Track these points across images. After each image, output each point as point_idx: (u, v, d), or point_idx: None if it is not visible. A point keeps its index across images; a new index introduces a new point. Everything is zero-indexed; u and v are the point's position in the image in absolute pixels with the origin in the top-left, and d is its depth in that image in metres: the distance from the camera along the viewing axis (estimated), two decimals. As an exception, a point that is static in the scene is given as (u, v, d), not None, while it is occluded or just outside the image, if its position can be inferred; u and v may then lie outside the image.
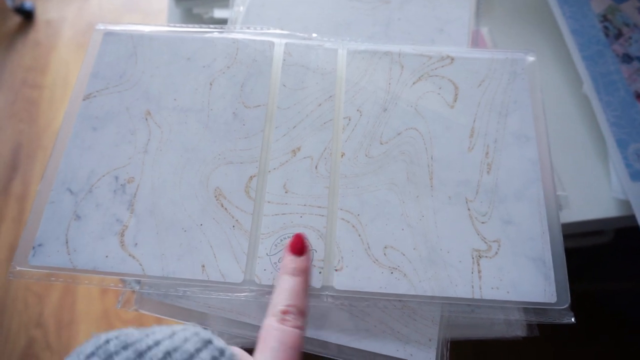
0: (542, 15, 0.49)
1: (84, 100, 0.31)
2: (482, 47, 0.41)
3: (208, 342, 0.19)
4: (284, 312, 0.22)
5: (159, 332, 0.19)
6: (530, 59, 0.34)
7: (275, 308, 0.23)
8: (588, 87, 0.42)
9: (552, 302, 0.25)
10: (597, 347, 0.69)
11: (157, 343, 0.18)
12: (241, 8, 0.39)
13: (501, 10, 0.50)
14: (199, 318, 0.27)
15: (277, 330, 0.21)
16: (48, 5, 1.32)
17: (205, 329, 0.20)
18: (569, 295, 0.25)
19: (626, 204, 0.37)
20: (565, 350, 0.69)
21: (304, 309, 0.23)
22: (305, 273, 0.24)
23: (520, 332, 0.27)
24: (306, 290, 0.24)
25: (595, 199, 0.38)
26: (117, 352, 0.18)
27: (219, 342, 0.19)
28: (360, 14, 0.39)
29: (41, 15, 1.30)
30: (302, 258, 0.25)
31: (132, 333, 0.19)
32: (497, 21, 0.48)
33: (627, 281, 0.66)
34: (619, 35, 0.46)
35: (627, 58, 0.45)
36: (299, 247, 0.25)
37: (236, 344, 0.25)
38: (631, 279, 0.65)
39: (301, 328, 0.22)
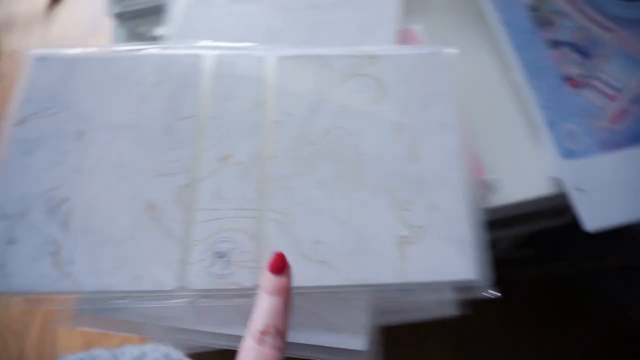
0: (476, 9, 0.50)
1: (16, 125, 0.32)
2: (411, 44, 0.43)
3: None
4: (263, 333, 0.21)
5: (128, 353, 0.18)
6: (452, 52, 0.35)
7: (253, 328, 0.22)
8: (518, 73, 0.44)
9: (475, 278, 0.26)
10: (576, 327, 0.70)
11: None
12: (176, 24, 0.40)
13: (436, 6, 0.52)
14: (137, 328, 0.27)
15: (255, 352, 0.21)
16: (10, 37, 1.32)
17: (173, 348, 0.20)
18: (491, 271, 0.27)
19: (560, 182, 0.38)
20: (542, 331, 0.70)
21: (283, 328, 0.22)
22: (285, 292, 0.23)
23: (452, 311, 0.28)
24: (286, 309, 0.23)
25: (530, 179, 0.39)
26: None
27: None
28: (290, 21, 0.40)
29: (4, 46, 1.29)
30: (282, 277, 0.23)
31: (100, 355, 0.18)
32: (432, 17, 0.50)
33: (593, 260, 0.68)
34: (548, 23, 0.48)
35: (555, 44, 0.47)
36: (278, 265, 0.23)
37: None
38: (598, 258, 0.67)
39: (280, 349, 0.21)
